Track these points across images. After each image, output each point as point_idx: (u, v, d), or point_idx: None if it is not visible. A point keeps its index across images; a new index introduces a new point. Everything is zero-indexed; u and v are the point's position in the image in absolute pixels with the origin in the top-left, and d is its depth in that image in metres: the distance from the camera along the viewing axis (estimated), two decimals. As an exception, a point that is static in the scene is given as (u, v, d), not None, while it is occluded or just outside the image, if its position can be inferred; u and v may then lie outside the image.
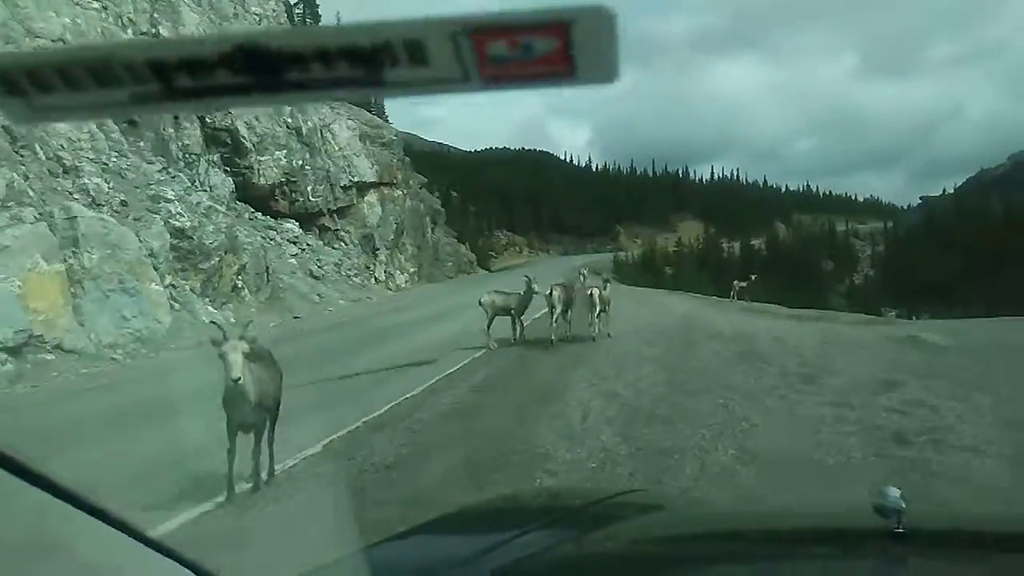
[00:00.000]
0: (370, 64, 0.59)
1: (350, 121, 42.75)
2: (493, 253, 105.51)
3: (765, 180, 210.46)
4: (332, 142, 40.39)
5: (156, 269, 17.55)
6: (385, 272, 41.49)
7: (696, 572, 1.65)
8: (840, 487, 5.91)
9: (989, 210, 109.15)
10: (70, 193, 17.08)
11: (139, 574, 0.87)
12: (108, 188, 18.09)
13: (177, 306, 18.13)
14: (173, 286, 18.53)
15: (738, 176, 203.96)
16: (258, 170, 34.72)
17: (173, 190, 19.81)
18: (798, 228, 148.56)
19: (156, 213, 18.76)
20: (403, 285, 42.64)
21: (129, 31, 29.06)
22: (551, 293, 14.91)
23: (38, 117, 0.61)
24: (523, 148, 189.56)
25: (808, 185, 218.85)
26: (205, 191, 30.81)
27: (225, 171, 33.53)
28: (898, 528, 1.43)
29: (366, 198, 42.80)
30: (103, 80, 0.57)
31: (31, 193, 15.73)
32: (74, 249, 15.11)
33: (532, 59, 0.59)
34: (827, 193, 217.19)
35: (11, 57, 0.56)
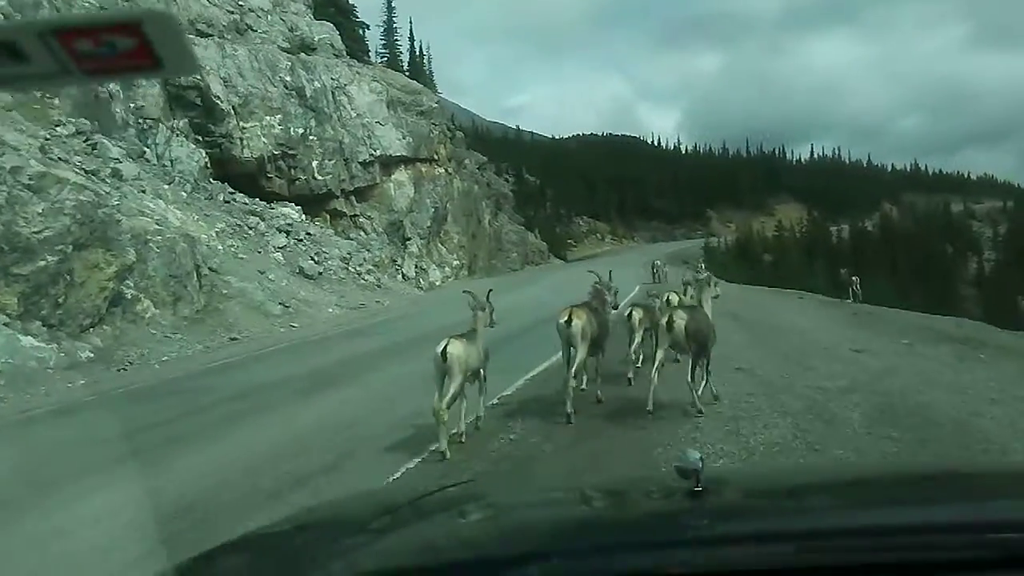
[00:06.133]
0: None
1: (375, 83, 34.93)
2: (572, 241, 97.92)
3: (869, 159, 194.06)
4: (348, 107, 32.62)
5: None
6: (417, 267, 33.61)
7: (498, 550, 1.54)
8: None
9: None
10: None
11: None
12: None
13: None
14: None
15: (839, 155, 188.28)
16: (241, 140, 27.34)
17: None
18: (910, 209, 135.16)
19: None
20: (439, 282, 34.67)
21: None
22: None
23: None
24: (609, 134, 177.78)
25: (916, 164, 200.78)
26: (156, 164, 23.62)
27: (196, 141, 26.28)
28: (697, 487, 1.51)
29: (394, 176, 34.97)
30: None
31: None
32: None
33: (119, 54, 0.70)
34: (937, 172, 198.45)
35: None
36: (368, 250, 30.86)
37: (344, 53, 35.54)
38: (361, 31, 44.67)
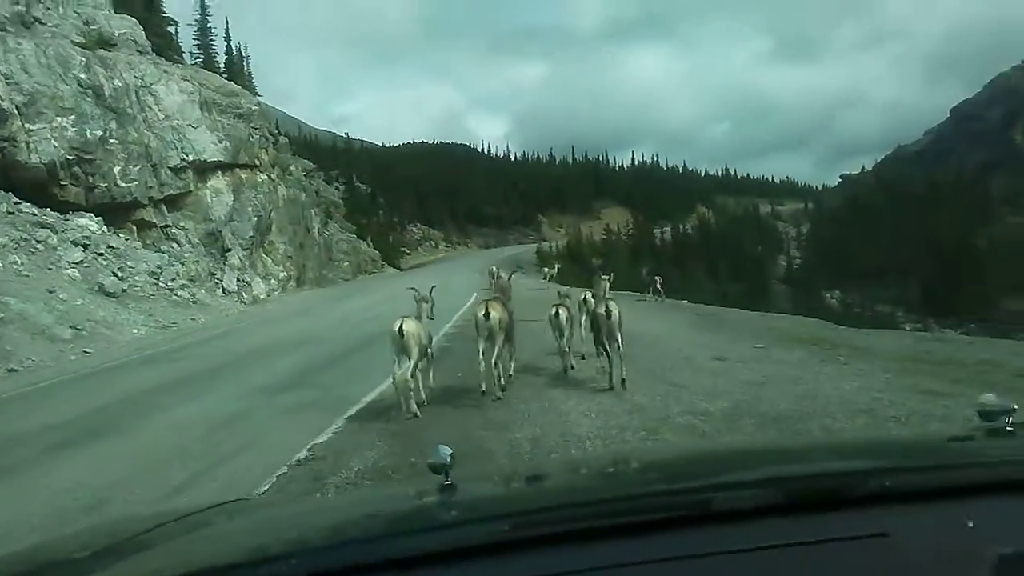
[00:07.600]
0: None
1: (185, 82, 32.37)
2: (406, 249, 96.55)
3: (684, 164, 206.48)
4: (154, 108, 29.99)
5: None
6: (239, 280, 31.40)
7: (243, 555, 1.51)
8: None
9: (911, 183, 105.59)
10: None
11: None
12: None
13: None
14: None
15: (657, 161, 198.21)
16: (27, 143, 24.33)
17: None
18: (722, 211, 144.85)
19: None
20: (264, 296, 32.60)
21: None
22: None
23: None
24: (440, 142, 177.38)
25: (727, 169, 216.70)
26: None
27: (-30, 145, 23.15)
28: (447, 481, 1.59)
29: (211, 183, 32.55)
30: None
31: None
32: None
33: None
34: (745, 176, 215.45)
35: None
36: (182, 263, 28.44)
37: (149, 50, 32.76)
38: (172, 29, 41.54)
